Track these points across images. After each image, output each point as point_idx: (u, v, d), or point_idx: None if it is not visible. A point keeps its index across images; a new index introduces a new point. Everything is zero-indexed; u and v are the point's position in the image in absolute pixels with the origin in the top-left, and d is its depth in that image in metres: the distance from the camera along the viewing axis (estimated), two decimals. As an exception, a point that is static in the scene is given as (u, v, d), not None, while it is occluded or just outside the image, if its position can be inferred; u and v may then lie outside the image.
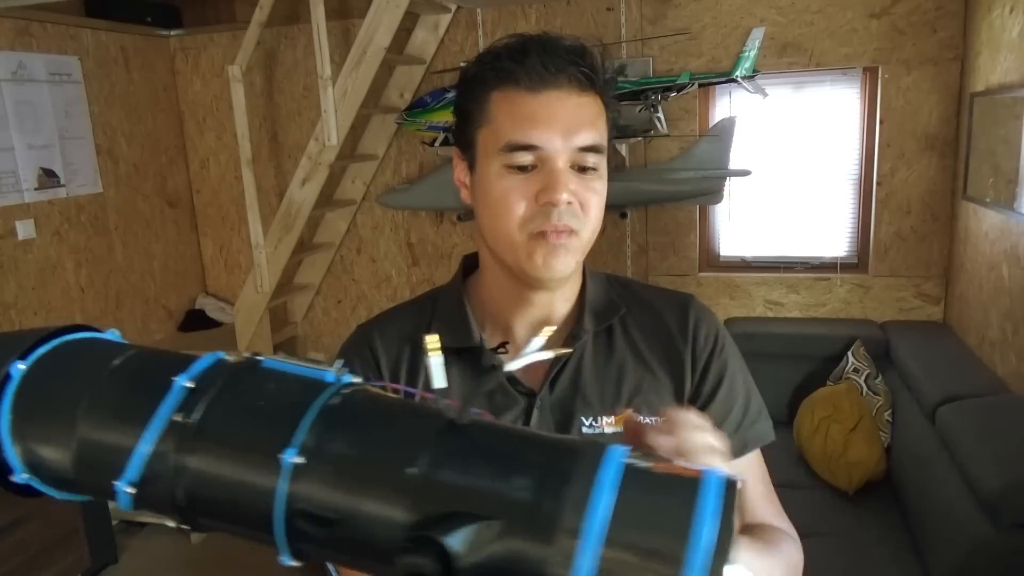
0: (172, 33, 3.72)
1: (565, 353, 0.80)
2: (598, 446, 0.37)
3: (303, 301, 3.83)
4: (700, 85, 3.00)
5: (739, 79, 2.89)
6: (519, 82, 0.74)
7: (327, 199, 3.51)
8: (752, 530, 0.79)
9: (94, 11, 3.31)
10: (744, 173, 2.99)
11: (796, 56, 2.97)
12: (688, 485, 0.34)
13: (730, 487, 0.34)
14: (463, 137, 0.80)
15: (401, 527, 0.36)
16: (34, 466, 0.44)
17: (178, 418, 0.40)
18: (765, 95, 2.99)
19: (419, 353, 0.84)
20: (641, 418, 0.74)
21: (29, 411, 0.43)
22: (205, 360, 0.43)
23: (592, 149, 0.75)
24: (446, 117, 3.09)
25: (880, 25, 2.87)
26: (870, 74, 2.98)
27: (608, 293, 0.86)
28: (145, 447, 0.40)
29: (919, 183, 2.96)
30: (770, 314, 3.22)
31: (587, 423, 0.78)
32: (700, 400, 0.82)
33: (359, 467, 0.39)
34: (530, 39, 0.75)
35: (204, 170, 3.90)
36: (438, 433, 0.38)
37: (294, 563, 0.41)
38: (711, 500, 0.33)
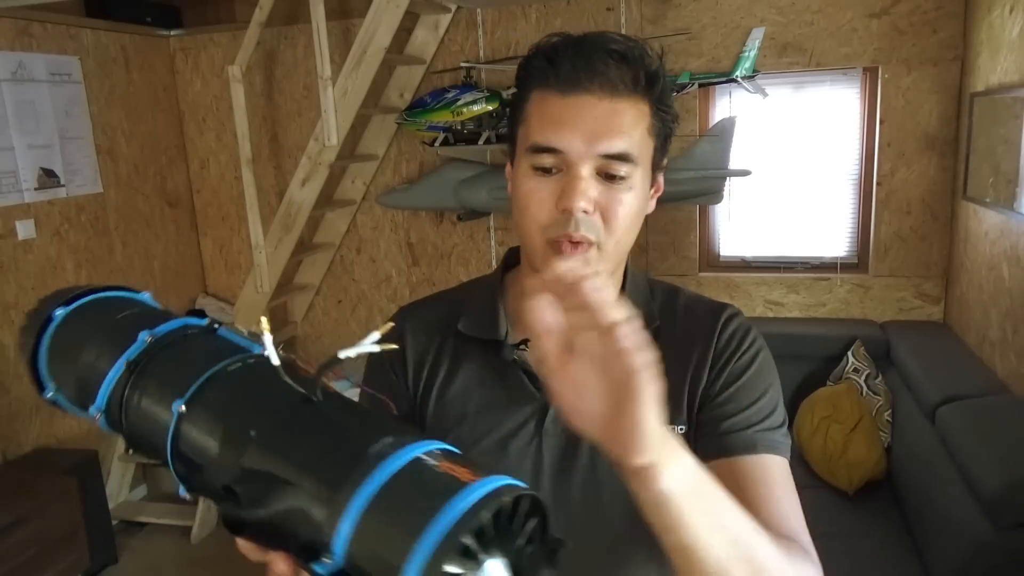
0: (172, 33, 3.72)
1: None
2: (408, 436, 0.42)
3: (303, 301, 3.83)
4: (700, 85, 3.00)
5: (739, 79, 2.89)
6: (551, 84, 0.72)
7: (327, 199, 3.51)
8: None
9: (94, 11, 3.31)
10: (744, 173, 2.99)
11: (796, 56, 2.97)
12: (454, 485, 0.38)
13: (497, 495, 0.37)
14: (509, 132, 0.81)
15: (232, 477, 0.44)
16: (59, 386, 0.56)
17: (131, 362, 0.51)
18: (765, 95, 2.99)
19: (447, 343, 0.86)
20: None
21: (58, 345, 0.56)
22: (174, 323, 0.54)
23: (619, 157, 0.72)
24: (446, 117, 3.09)
25: (880, 25, 2.87)
26: (870, 74, 2.98)
27: (646, 303, 0.84)
28: (108, 382, 0.51)
29: (919, 183, 2.96)
30: (770, 314, 3.22)
31: None
32: (712, 392, 0.79)
33: (219, 421, 0.46)
34: (568, 39, 0.73)
35: (204, 170, 3.90)
36: (290, 405, 0.45)
37: (187, 496, 0.50)
38: (462, 502, 0.36)
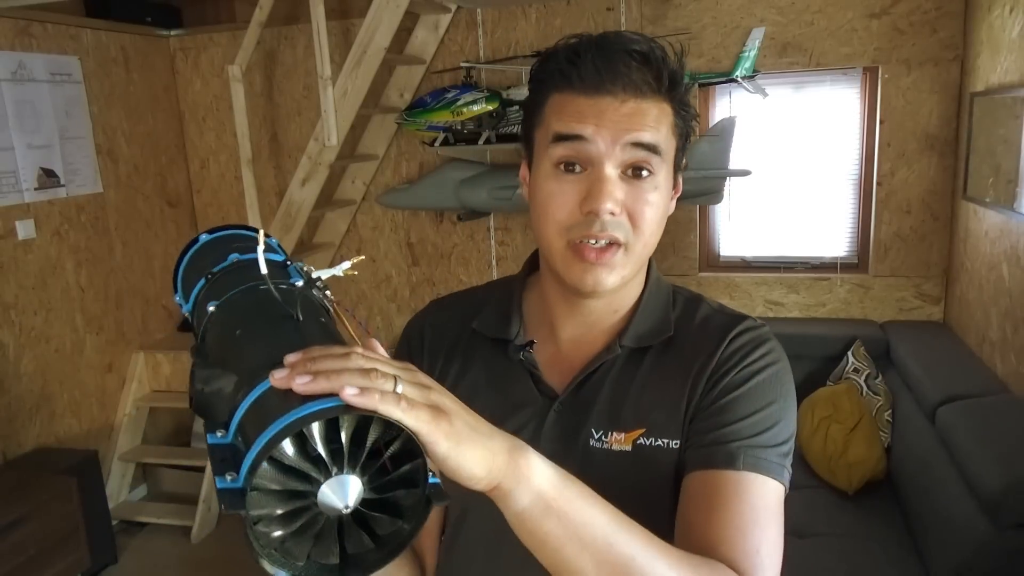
0: (172, 33, 3.72)
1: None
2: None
3: (303, 301, 3.82)
4: (700, 85, 3.00)
5: (739, 79, 2.89)
6: (573, 86, 0.72)
7: (327, 199, 3.51)
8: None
9: (94, 11, 3.31)
10: (744, 173, 2.99)
11: (796, 56, 2.97)
12: (314, 397, 0.46)
13: (312, 418, 0.44)
14: (525, 134, 0.80)
15: (203, 361, 0.53)
16: (183, 293, 0.70)
17: (210, 274, 0.64)
18: (765, 95, 2.99)
19: (462, 340, 0.87)
20: (647, 440, 0.73)
21: (192, 262, 0.71)
22: (254, 254, 0.63)
23: (647, 147, 0.71)
24: (446, 117, 3.09)
25: (880, 25, 2.87)
26: (870, 74, 2.98)
27: (665, 311, 0.82)
28: (196, 288, 0.65)
29: (919, 183, 2.96)
30: (770, 314, 3.22)
31: (596, 436, 0.77)
32: (705, 403, 0.75)
33: (227, 323, 0.57)
34: (589, 40, 0.72)
35: (204, 170, 3.90)
36: (277, 318, 0.55)
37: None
38: (312, 407, 0.44)
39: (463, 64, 3.22)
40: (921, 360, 2.59)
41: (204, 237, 0.72)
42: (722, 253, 3.33)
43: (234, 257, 0.65)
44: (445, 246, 3.60)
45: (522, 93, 3.06)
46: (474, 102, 3.05)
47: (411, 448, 0.47)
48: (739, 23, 2.99)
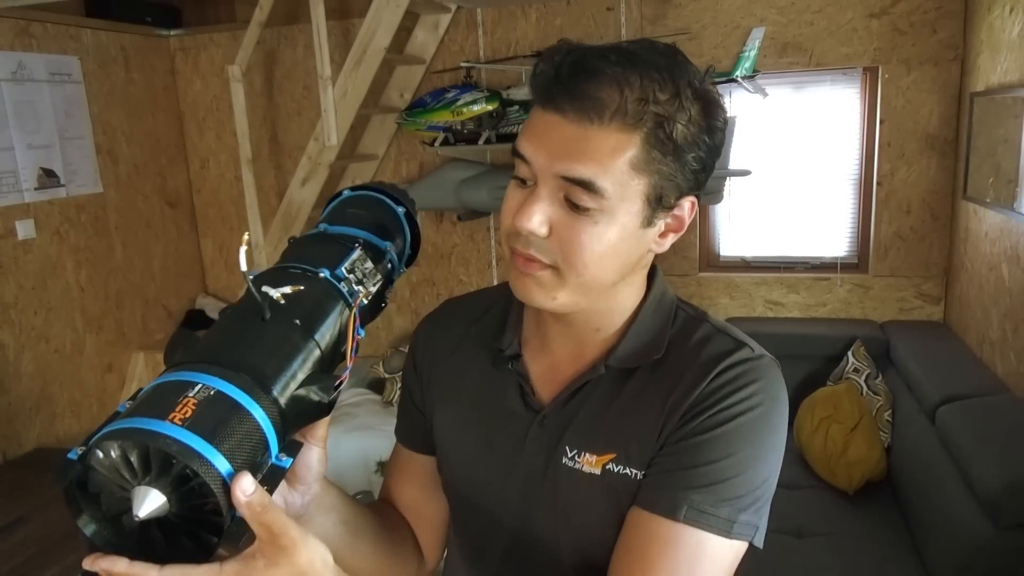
0: (172, 33, 3.72)
1: None
2: (249, 377, 0.54)
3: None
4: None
5: (739, 79, 2.88)
6: (538, 93, 0.69)
7: (327, 199, 3.50)
8: None
9: (94, 11, 3.31)
10: (744, 173, 2.99)
11: (796, 56, 2.97)
12: (162, 413, 0.50)
13: (127, 435, 0.49)
14: None
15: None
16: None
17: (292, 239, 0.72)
18: (765, 95, 2.98)
19: (461, 346, 0.86)
20: (616, 467, 0.72)
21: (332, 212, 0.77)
22: (348, 228, 0.74)
23: (580, 184, 0.65)
24: (446, 117, 3.09)
25: (880, 25, 2.87)
26: (870, 74, 2.98)
27: (660, 331, 0.77)
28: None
29: (919, 183, 2.96)
30: (770, 314, 3.22)
31: (569, 454, 0.75)
32: (672, 440, 0.71)
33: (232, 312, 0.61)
34: (568, 51, 0.67)
35: (204, 170, 3.90)
36: (249, 312, 0.58)
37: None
38: (148, 424, 0.48)
39: (463, 64, 3.22)
40: (921, 360, 2.59)
41: (344, 193, 0.79)
42: (722, 253, 3.33)
43: (322, 227, 0.72)
44: (445, 246, 3.60)
45: (522, 93, 3.06)
46: (474, 102, 3.05)
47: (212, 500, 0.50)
48: (739, 23, 2.99)
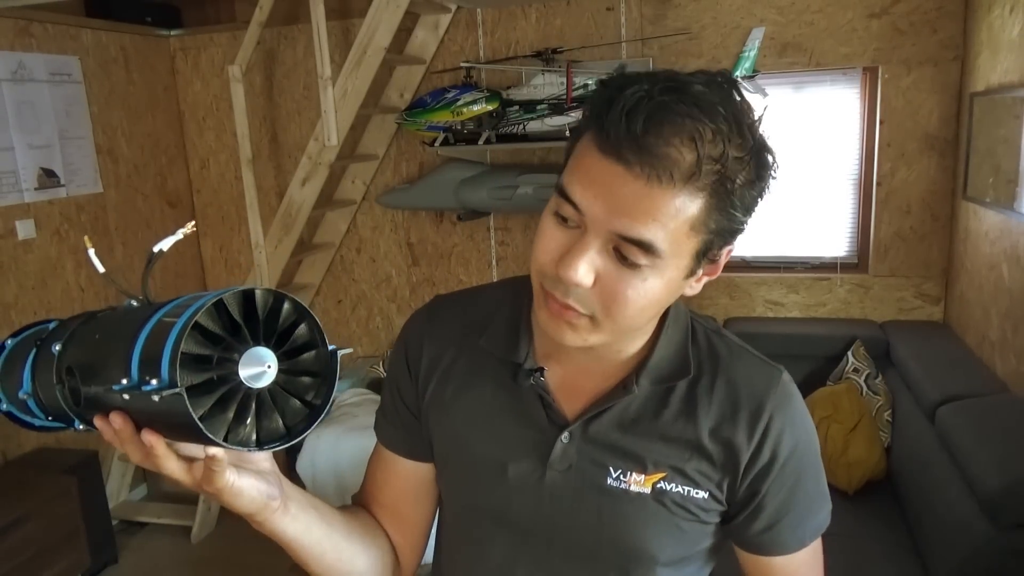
0: (172, 33, 3.72)
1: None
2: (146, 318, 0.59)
3: (303, 301, 3.81)
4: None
5: (739, 79, 2.88)
6: (598, 135, 0.63)
7: (327, 199, 3.51)
8: None
9: (94, 11, 3.31)
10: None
11: (796, 56, 2.97)
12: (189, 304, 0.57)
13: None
14: (569, 145, 0.71)
15: (76, 362, 0.64)
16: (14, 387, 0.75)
17: (39, 344, 0.72)
18: (765, 95, 2.99)
19: (464, 354, 0.83)
20: (668, 486, 0.75)
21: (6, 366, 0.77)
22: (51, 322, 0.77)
23: (638, 244, 0.62)
24: (446, 117, 3.09)
25: (880, 25, 2.87)
26: (870, 74, 2.98)
27: (684, 350, 0.77)
28: (28, 363, 0.73)
29: (919, 183, 2.96)
30: (770, 314, 3.22)
31: (615, 475, 0.75)
32: (746, 503, 0.77)
33: (82, 342, 0.65)
34: (647, 88, 0.61)
35: (204, 170, 3.90)
36: (125, 315, 0.64)
37: (80, 427, 0.70)
38: (202, 302, 0.55)
39: (463, 64, 3.22)
40: (921, 360, 2.59)
41: (9, 342, 0.76)
42: (722, 253, 3.33)
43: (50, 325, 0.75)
44: (445, 246, 3.60)
45: (522, 93, 3.06)
46: (474, 102, 3.05)
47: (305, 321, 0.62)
48: (739, 23, 2.99)
